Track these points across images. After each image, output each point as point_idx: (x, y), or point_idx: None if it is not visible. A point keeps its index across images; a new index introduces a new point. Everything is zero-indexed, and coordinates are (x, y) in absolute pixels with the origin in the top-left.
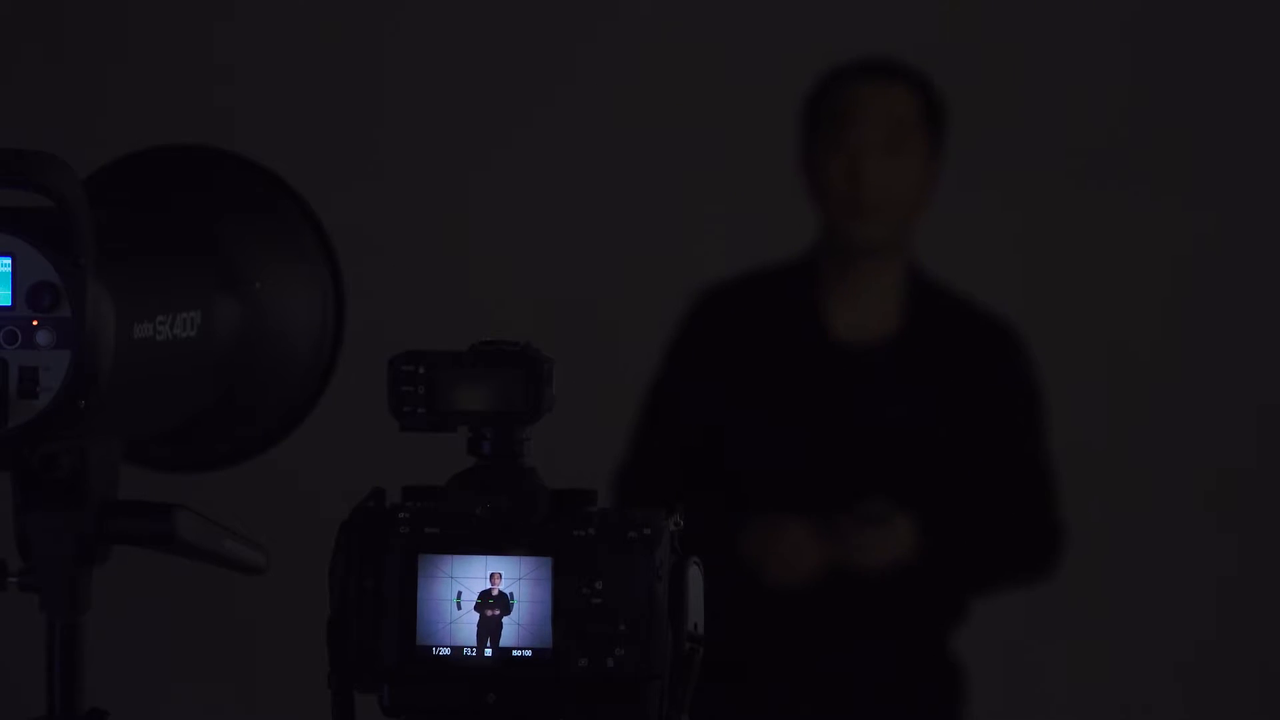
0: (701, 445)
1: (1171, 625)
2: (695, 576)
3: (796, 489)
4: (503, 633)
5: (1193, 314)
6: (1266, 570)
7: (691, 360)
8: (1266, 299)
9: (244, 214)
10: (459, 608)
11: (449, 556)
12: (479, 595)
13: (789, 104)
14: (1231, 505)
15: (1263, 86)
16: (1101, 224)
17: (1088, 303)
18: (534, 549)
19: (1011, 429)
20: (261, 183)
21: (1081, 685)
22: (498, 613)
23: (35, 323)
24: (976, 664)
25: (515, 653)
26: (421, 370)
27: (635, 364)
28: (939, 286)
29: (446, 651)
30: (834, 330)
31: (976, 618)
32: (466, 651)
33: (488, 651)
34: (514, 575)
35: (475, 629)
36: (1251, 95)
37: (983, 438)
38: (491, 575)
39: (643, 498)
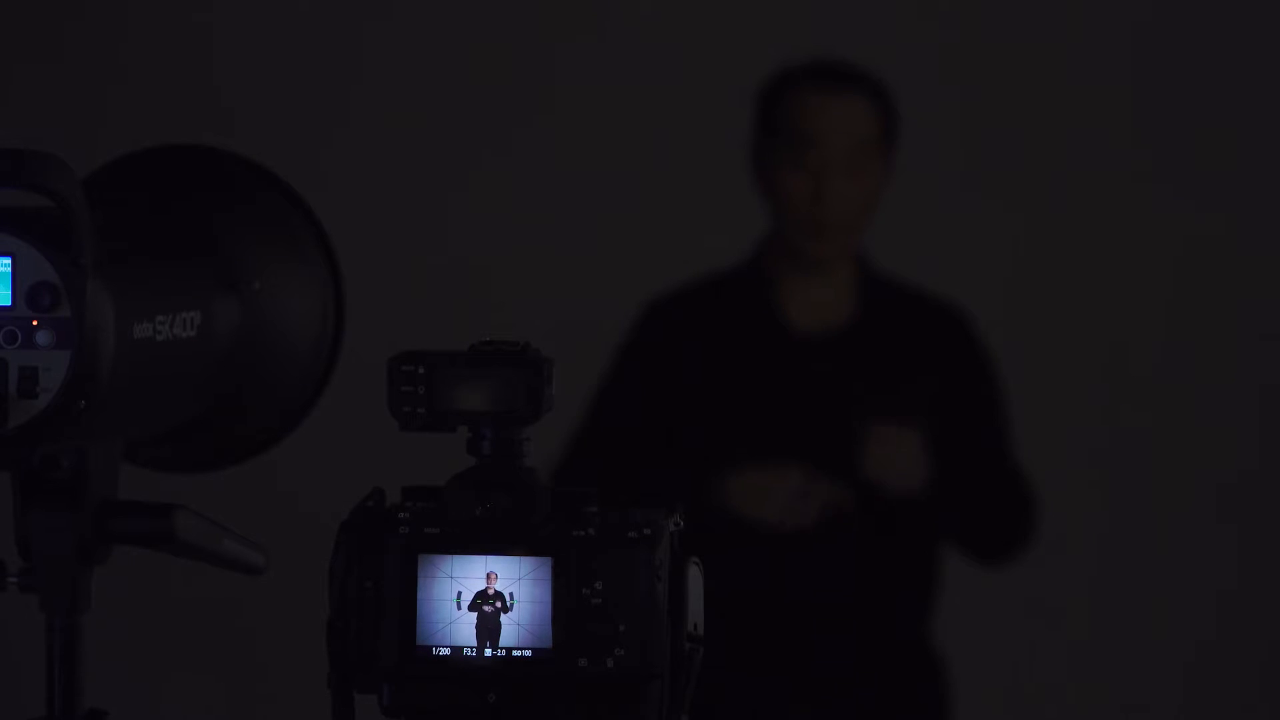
0: (649, 450)
1: (1171, 626)
2: (695, 576)
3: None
4: (502, 633)
5: (1194, 315)
6: (1267, 571)
7: (642, 368)
8: (1268, 300)
9: (244, 214)
10: (459, 608)
11: (448, 556)
12: (475, 595)
13: None
14: (1232, 506)
15: (1264, 87)
16: (1102, 225)
17: (1088, 304)
18: (534, 549)
19: (972, 410)
20: (261, 183)
21: (1081, 686)
22: (495, 608)
23: (35, 323)
24: (975, 665)
25: (515, 653)
26: (421, 370)
27: None
28: (887, 276)
29: (446, 652)
30: (787, 323)
31: (974, 619)
32: (466, 652)
33: (487, 651)
34: (514, 575)
35: (474, 629)
36: (1253, 95)
37: (945, 422)
38: (488, 575)
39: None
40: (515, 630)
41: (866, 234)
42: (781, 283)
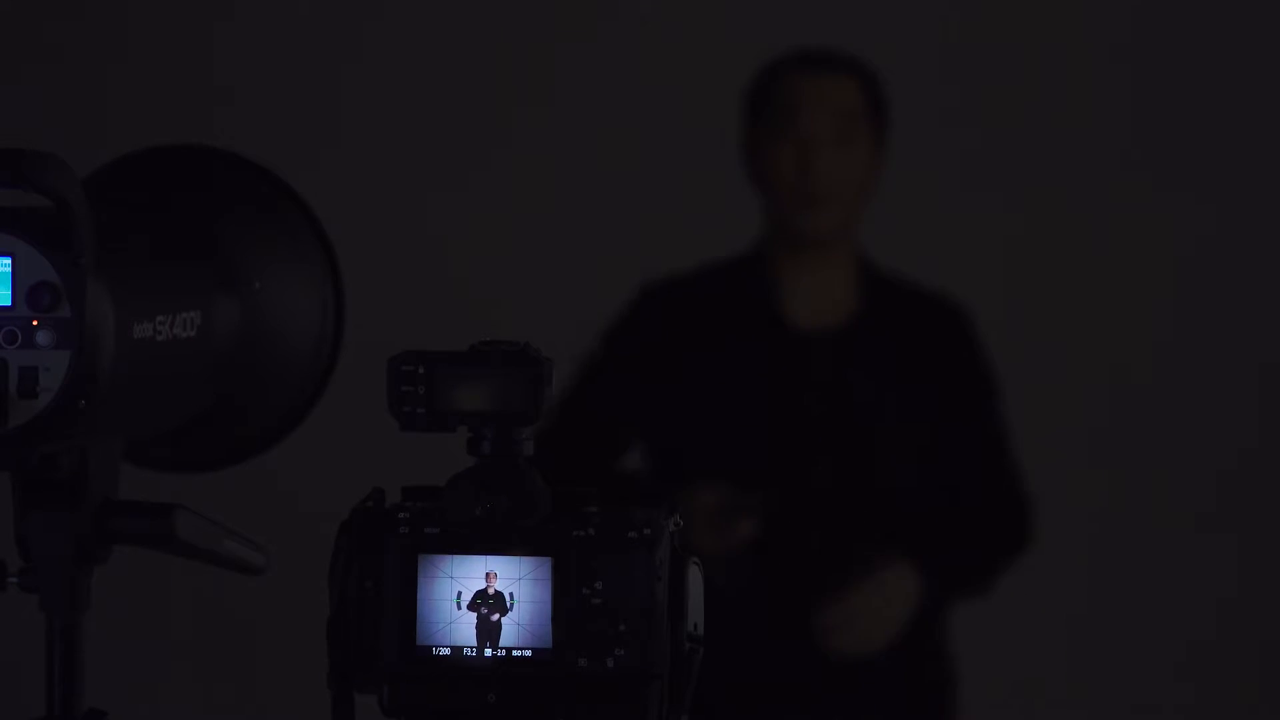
0: (618, 435)
1: (1172, 626)
2: (695, 576)
3: (756, 483)
4: (502, 633)
5: (1194, 314)
6: (1266, 571)
7: (630, 353)
8: (1267, 299)
9: (244, 214)
10: (459, 608)
11: (448, 556)
12: (475, 595)
13: None
14: (1232, 506)
15: (1263, 86)
16: (1101, 224)
17: (1088, 303)
18: (534, 549)
19: (969, 408)
20: (261, 183)
21: (1081, 686)
22: (495, 614)
23: (35, 323)
24: (976, 666)
25: (515, 653)
26: (421, 370)
27: None
28: (887, 274)
29: (446, 652)
30: (789, 319)
31: (975, 621)
32: (466, 652)
33: (487, 652)
34: (514, 575)
35: (474, 629)
36: (1252, 95)
37: (942, 418)
38: (487, 575)
39: (562, 463)
40: (515, 630)
41: (862, 215)
42: (781, 277)
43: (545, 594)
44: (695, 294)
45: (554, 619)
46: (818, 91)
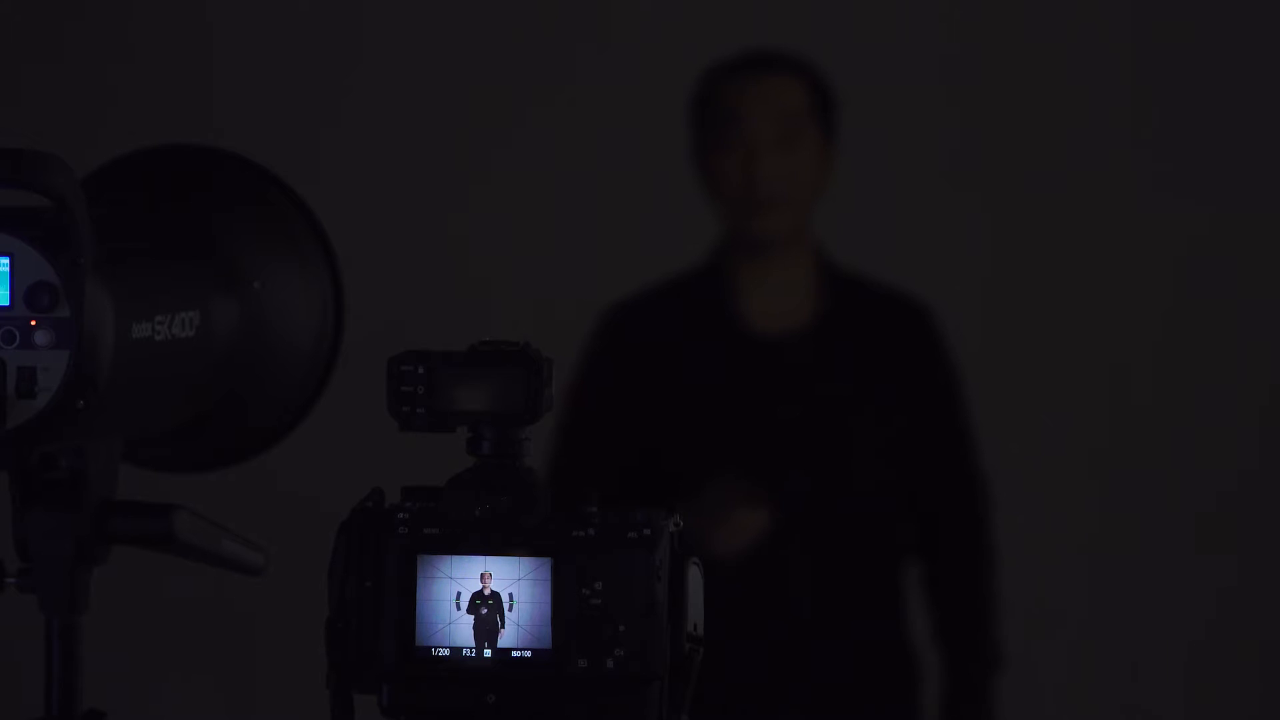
0: (628, 453)
1: (1171, 626)
2: (695, 576)
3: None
4: (502, 633)
5: (1193, 316)
6: (1266, 571)
7: (603, 375)
8: (1267, 299)
9: (244, 214)
10: (458, 608)
11: (448, 557)
12: (472, 596)
13: None
14: (1231, 507)
15: (1264, 86)
16: (1101, 225)
17: (1087, 305)
18: (533, 549)
19: (932, 407)
20: (261, 183)
21: (1081, 686)
22: (490, 612)
23: (34, 323)
24: None
25: (514, 653)
26: (421, 370)
27: None
28: (848, 272)
29: (445, 652)
30: (748, 325)
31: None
32: (465, 652)
33: (487, 652)
34: (513, 575)
35: (473, 630)
36: (1253, 95)
37: (909, 418)
38: (481, 575)
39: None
40: (515, 631)
41: (813, 214)
42: (740, 283)
43: (545, 594)
44: (656, 311)
45: (553, 619)
46: (758, 94)
